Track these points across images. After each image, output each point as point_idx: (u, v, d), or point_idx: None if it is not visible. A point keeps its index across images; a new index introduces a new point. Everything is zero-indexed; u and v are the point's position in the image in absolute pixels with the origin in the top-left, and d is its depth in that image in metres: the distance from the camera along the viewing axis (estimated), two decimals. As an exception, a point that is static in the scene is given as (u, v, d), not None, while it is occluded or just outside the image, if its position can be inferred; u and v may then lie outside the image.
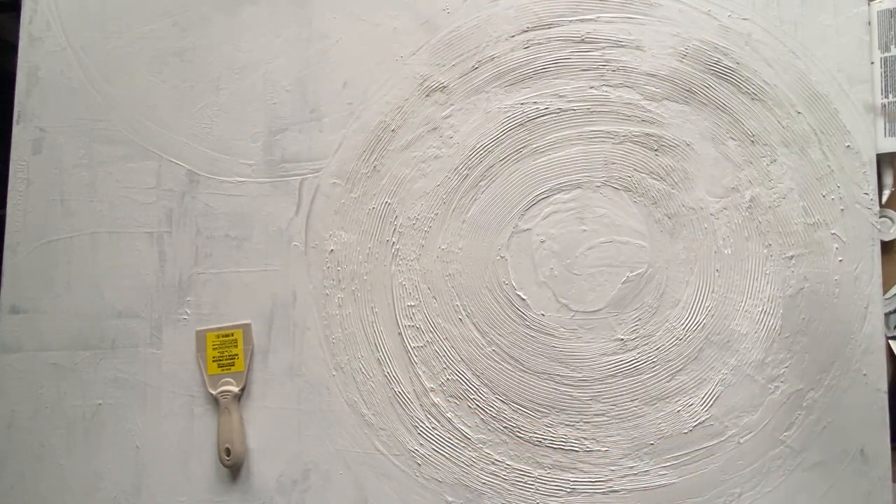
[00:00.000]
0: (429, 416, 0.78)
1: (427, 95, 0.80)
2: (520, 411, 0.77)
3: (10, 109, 0.87)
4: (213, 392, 0.81)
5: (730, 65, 0.77)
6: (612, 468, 0.75)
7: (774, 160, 0.76)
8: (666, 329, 0.76)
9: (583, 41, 0.78)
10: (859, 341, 0.74)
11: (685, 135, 0.77)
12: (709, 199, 0.77)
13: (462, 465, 0.77)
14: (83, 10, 0.87)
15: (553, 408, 0.76)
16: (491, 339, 0.78)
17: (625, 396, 0.76)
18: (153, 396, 0.83)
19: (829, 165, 0.76)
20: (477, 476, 0.77)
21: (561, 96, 0.78)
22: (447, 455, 0.78)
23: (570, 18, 0.79)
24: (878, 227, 0.75)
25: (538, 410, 0.77)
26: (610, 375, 0.76)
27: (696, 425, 0.75)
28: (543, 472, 0.76)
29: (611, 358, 0.77)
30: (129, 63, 0.86)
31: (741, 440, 0.74)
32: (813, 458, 0.74)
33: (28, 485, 0.84)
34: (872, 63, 0.76)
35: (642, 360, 0.76)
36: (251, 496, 0.81)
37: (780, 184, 0.76)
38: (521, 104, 0.79)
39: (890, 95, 0.75)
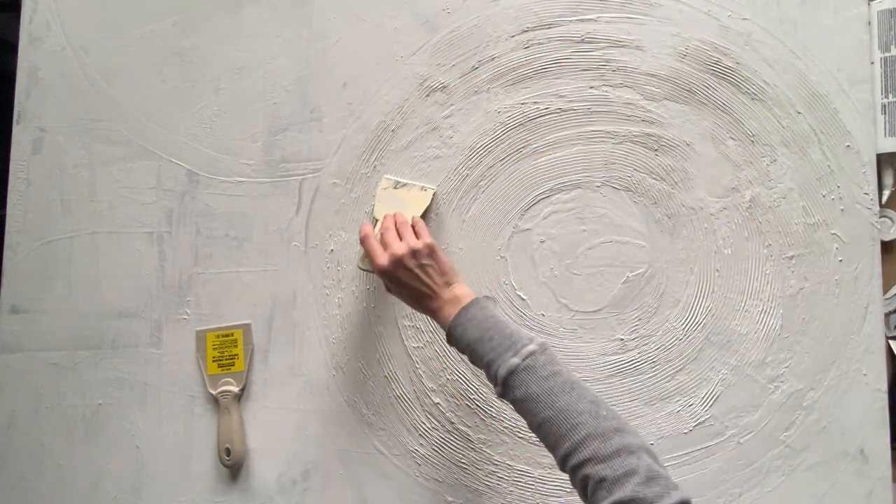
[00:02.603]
0: (429, 417, 0.78)
1: (427, 95, 0.80)
2: (520, 411, 0.77)
3: (10, 109, 0.87)
4: (213, 392, 0.81)
5: (730, 65, 0.77)
6: (612, 468, 0.75)
7: (774, 160, 0.76)
8: (666, 329, 0.76)
9: (583, 41, 0.78)
10: (859, 341, 0.74)
11: (685, 135, 0.77)
12: (709, 199, 0.77)
13: (462, 465, 0.77)
14: (83, 10, 0.87)
15: (553, 408, 0.76)
16: (491, 339, 0.78)
17: (625, 396, 0.76)
18: (153, 396, 0.83)
19: (829, 165, 0.76)
20: (477, 476, 0.77)
21: (561, 96, 0.78)
22: (447, 455, 0.78)
23: (570, 18, 0.79)
24: (878, 227, 0.75)
25: (538, 410, 0.77)
26: (610, 375, 0.76)
27: (696, 425, 0.75)
28: (543, 472, 0.76)
29: (611, 358, 0.77)
30: (129, 63, 0.86)
31: (741, 440, 0.74)
32: (813, 458, 0.74)
33: (28, 485, 0.84)
34: (872, 63, 0.76)
35: (642, 360, 0.76)
36: (251, 496, 0.80)
37: (780, 184, 0.76)
38: (521, 104, 0.79)
39: (890, 95, 0.75)
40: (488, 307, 0.64)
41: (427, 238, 0.69)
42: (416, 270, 0.66)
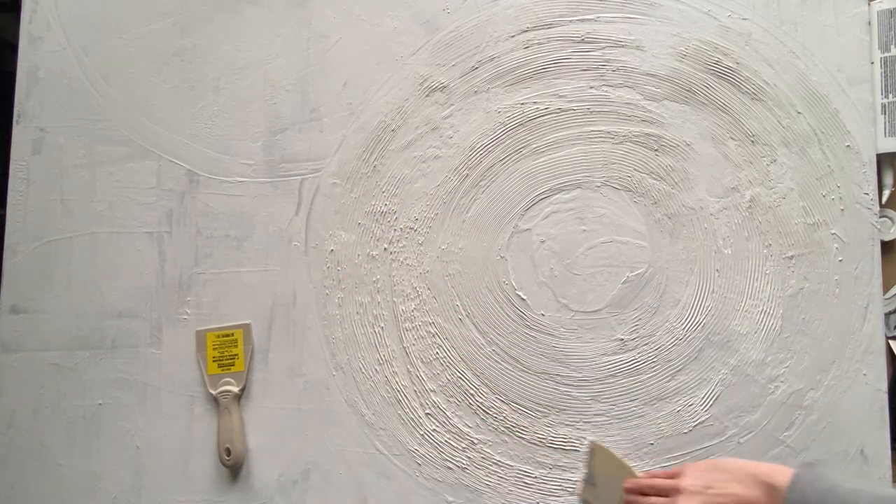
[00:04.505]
0: (429, 417, 0.78)
1: (427, 95, 0.80)
2: (520, 411, 0.77)
3: (10, 109, 0.87)
4: (213, 392, 0.81)
5: (730, 65, 0.77)
6: (612, 468, 0.75)
7: (774, 160, 0.76)
8: (666, 329, 0.76)
9: (583, 41, 0.78)
10: (859, 341, 0.74)
11: (685, 135, 0.77)
12: (709, 199, 0.77)
13: (462, 465, 0.77)
14: (83, 10, 0.87)
15: (553, 408, 0.76)
16: (491, 339, 0.78)
17: (625, 396, 0.76)
18: (153, 396, 0.83)
19: (829, 165, 0.76)
20: (477, 476, 0.77)
21: (561, 96, 0.78)
22: (447, 455, 0.78)
23: (570, 18, 0.79)
24: (878, 227, 0.75)
25: (538, 410, 0.77)
26: (610, 375, 0.76)
27: (696, 425, 0.75)
28: (544, 472, 0.76)
29: (611, 358, 0.76)
30: (129, 63, 0.86)
31: (741, 440, 0.74)
32: (813, 458, 0.74)
33: (28, 485, 0.84)
34: (872, 63, 0.76)
35: (642, 360, 0.76)
36: (251, 496, 0.80)
37: (780, 184, 0.76)
38: (521, 104, 0.79)
39: (890, 95, 0.75)
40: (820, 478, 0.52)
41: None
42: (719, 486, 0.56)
